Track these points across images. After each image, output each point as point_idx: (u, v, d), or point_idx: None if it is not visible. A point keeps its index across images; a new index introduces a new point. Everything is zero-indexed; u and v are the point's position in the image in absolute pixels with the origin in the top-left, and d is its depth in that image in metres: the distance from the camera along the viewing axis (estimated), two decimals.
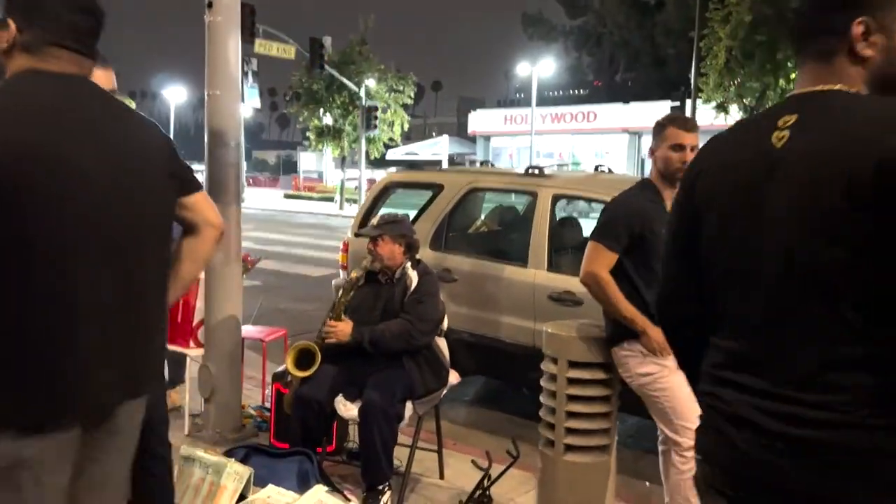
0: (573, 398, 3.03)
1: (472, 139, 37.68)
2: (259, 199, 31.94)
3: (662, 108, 29.40)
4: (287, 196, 34.74)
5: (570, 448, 3.06)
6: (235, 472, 3.08)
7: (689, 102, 22.79)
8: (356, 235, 5.04)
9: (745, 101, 16.75)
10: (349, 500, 3.11)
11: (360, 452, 3.42)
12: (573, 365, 3.03)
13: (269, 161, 70.80)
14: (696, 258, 1.45)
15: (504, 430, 4.91)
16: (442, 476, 3.86)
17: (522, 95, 49.84)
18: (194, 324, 4.37)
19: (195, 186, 1.97)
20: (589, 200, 4.87)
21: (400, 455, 3.71)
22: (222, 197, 4.15)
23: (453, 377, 3.81)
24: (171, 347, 4.45)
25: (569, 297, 4.51)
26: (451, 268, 5.04)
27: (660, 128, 2.96)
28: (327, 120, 28.10)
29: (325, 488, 3.10)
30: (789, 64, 14.32)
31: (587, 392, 3.02)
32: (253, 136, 78.68)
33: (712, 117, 22.09)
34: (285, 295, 9.84)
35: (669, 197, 3.01)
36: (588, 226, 5.79)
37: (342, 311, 3.59)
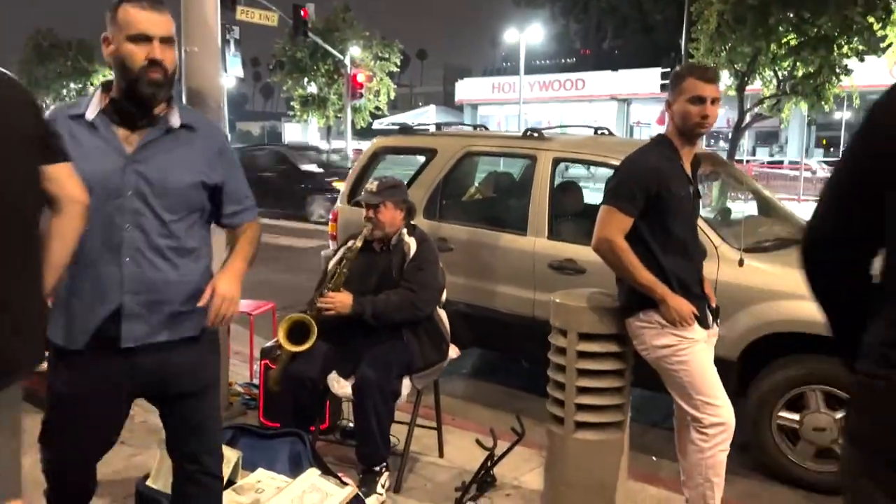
0: (584, 373, 2.83)
1: (460, 108, 37.22)
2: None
3: (651, 75, 29.22)
4: None
5: (580, 425, 2.87)
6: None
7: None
8: (354, 204, 4.79)
9: (735, 66, 16.47)
10: (345, 483, 2.91)
11: (356, 432, 3.22)
12: (584, 337, 2.82)
13: (253, 132, 69.93)
14: (870, 211, 1.29)
15: (503, 404, 4.73)
16: (441, 454, 3.68)
17: (509, 64, 49.25)
18: None
19: (60, 156, 1.83)
20: (592, 164, 4.64)
21: (397, 433, 3.52)
22: None
23: (453, 351, 3.60)
24: None
25: (570, 266, 4.31)
26: (446, 237, 4.81)
27: (677, 79, 2.72)
28: (312, 89, 27.58)
29: (319, 471, 2.90)
30: (781, 28, 14.02)
31: (599, 366, 2.82)
32: (237, 107, 77.56)
33: None
34: (272, 267, 9.59)
35: (688, 155, 2.79)
36: (588, 194, 5.62)
37: (342, 281, 3.35)
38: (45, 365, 2.12)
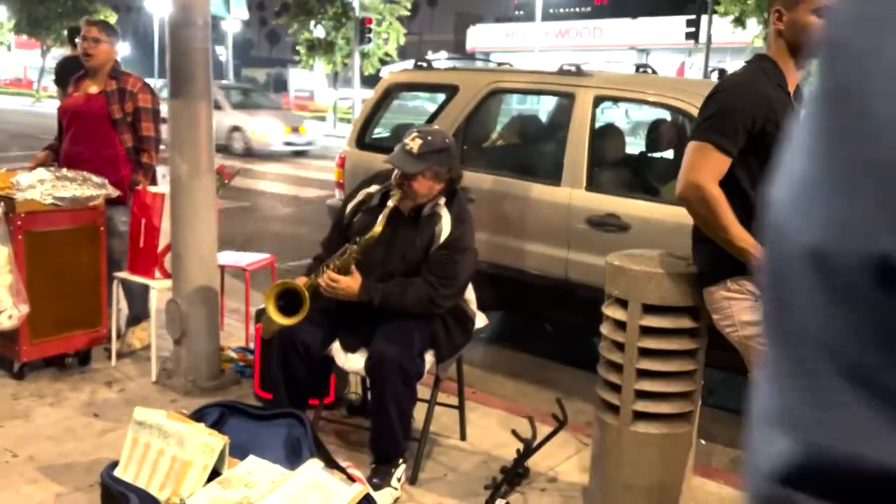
0: (647, 353, 2.31)
1: (471, 57, 36.07)
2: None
3: (673, 23, 28.05)
4: (283, 122, 33.31)
5: (640, 416, 2.36)
6: (204, 445, 2.36)
7: (704, 18, 21.50)
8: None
9: (764, 14, 15.56)
10: (352, 478, 2.41)
11: (371, 420, 2.71)
12: (649, 310, 2.29)
13: (258, 79, 68.57)
14: None
15: (528, 374, 4.23)
16: (464, 437, 3.18)
17: (523, 13, 47.83)
18: (160, 249, 3.60)
19: None
20: (643, 103, 4.03)
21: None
22: (188, 88, 3.31)
23: (481, 320, 3.07)
24: (133, 278, 3.71)
25: (612, 222, 3.75)
26: (468, 187, 4.23)
27: None
28: (318, 33, 26.61)
29: (321, 463, 2.40)
30: None
31: (667, 345, 2.29)
32: (242, 52, 76.00)
33: (729, 33, 20.94)
34: (276, 218, 9.06)
35: (793, 82, 2.19)
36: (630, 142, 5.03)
37: (352, 262, 2.72)
38: None
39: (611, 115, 7.61)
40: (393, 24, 26.33)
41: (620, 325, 2.34)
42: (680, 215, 3.54)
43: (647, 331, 2.30)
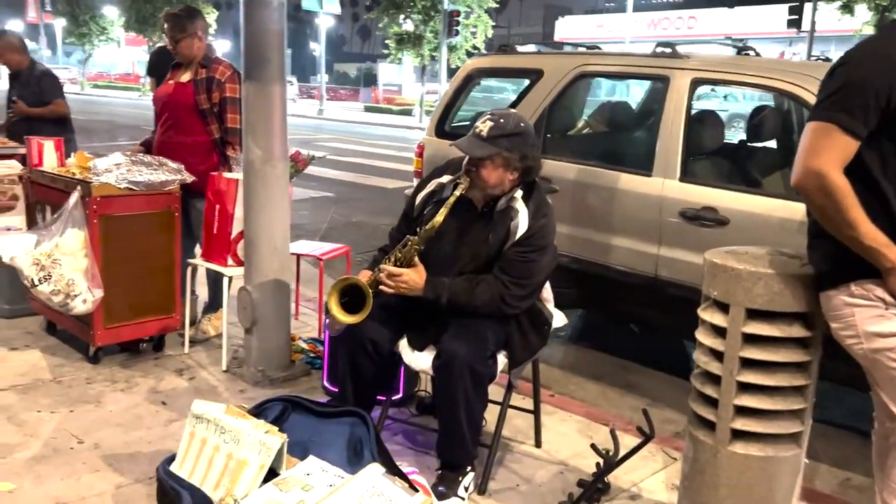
0: (751, 364, 2.02)
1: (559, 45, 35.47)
2: (338, 111, 31.12)
3: (774, 11, 26.68)
4: (366, 108, 33.75)
5: (739, 435, 2.08)
6: (261, 444, 2.24)
7: (808, 5, 20.30)
8: (444, 138, 3.99)
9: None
10: (414, 488, 2.23)
11: (438, 422, 2.52)
12: (755, 315, 2.00)
13: (350, 74, 69.82)
14: None
15: (611, 377, 3.97)
16: (539, 444, 2.96)
17: (613, 4, 46.65)
18: (233, 236, 3.53)
19: None
20: (748, 86, 3.67)
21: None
22: (262, 71, 3.20)
23: (559, 319, 2.84)
24: (205, 264, 3.66)
25: (709, 216, 3.44)
26: (550, 176, 4.00)
27: None
28: (408, 26, 26.70)
29: (383, 469, 2.23)
30: None
31: (774, 356, 2.00)
32: (335, 48, 77.54)
33: (835, 20, 19.68)
34: (359, 208, 9.03)
35: None
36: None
37: (414, 255, 2.54)
38: None
39: (709, 104, 7.18)
40: (481, 16, 26.11)
41: (719, 332, 2.07)
42: (787, 210, 3.23)
43: (750, 339, 2.01)
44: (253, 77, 3.22)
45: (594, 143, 4.52)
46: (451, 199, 2.49)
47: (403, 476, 2.29)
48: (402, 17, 26.31)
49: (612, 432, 2.38)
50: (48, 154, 3.69)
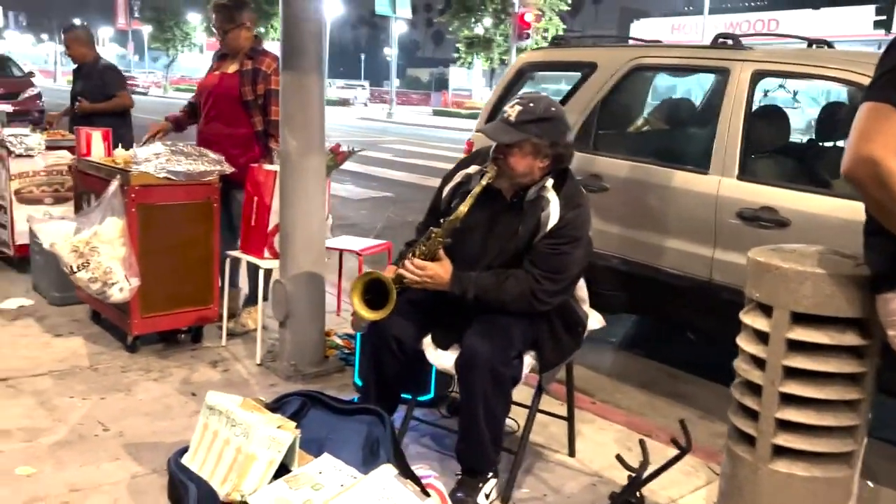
0: (796, 373, 1.83)
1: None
2: (408, 115, 31.34)
3: (860, 13, 25.44)
4: (435, 112, 33.89)
5: (781, 451, 1.88)
6: (271, 439, 2.16)
7: None
8: (479, 131, 3.86)
9: None
10: (426, 493, 2.11)
11: (459, 423, 2.39)
12: (801, 319, 1.80)
13: (421, 79, 70.47)
14: None
15: (658, 385, 3.75)
16: (572, 453, 2.79)
17: (692, 7, 45.49)
18: (270, 228, 3.49)
19: None
20: (814, 78, 3.40)
21: (514, 415, 2.70)
22: (300, 62, 3.15)
23: (595, 321, 2.67)
24: (243, 257, 3.63)
25: (768, 217, 3.20)
26: (600, 173, 3.83)
27: None
28: (479, 30, 26.69)
29: (395, 472, 2.12)
30: None
31: (822, 365, 1.80)
32: (408, 53, 78.40)
33: None
34: (417, 208, 8.94)
35: None
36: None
37: (438, 248, 2.41)
38: None
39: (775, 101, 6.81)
40: (552, 19, 25.87)
41: (761, 337, 1.88)
42: (855, 211, 2.97)
43: (796, 345, 1.82)
44: (290, 67, 3.18)
45: (649, 139, 4.30)
46: (477, 189, 2.36)
47: (417, 480, 2.17)
48: (472, 20, 26.31)
49: (642, 444, 2.20)
50: (96, 144, 3.74)
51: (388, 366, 2.48)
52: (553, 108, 2.37)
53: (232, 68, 3.86)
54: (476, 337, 2.28)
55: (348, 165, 12.72)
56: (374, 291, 2.44)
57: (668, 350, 4.29)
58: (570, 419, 2.77)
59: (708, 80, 4.29)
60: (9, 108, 5.40)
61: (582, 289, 2.58)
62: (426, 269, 2.37)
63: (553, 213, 2.33)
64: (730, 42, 3.63)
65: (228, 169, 3.55)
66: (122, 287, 3.30)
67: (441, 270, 2.36)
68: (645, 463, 2.17)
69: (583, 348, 2.77)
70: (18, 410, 2.88)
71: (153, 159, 3.34)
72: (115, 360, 3.43)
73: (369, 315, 2.41)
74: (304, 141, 3.21)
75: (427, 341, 2.47)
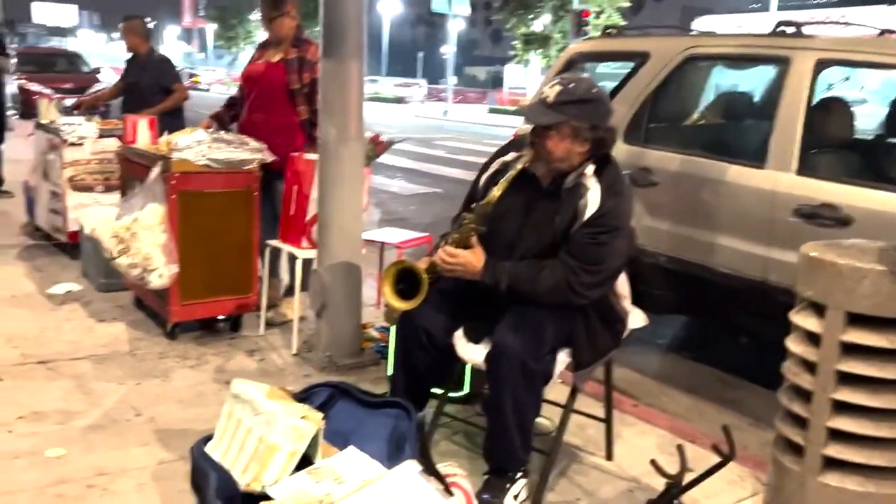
0: (850, 379, 1.68)
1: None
2: (463, 113, 31.26)
3: None
4: (491, 110, 33.73)
5: (832, 464, 1.73)
6: (293, 429, 2.10)
7: None
8: (520, 115, 3.71)
9: None
10: (449, 491, 2.03)
11: (487, 419, 2.30)
12: (857, 320, 1.66)
13: (479, 77, 70.41)
14: None
15: (706, 389, 3.59)
16: (610, 456, 2.67)
17: (758, 4, 44.19)
18: (308, 218, 3.46)
19: None
20: (881, 67, 3.19)
21: (548, 413, 2.60)
22: (339, 46, 3.11)
23: (637, 319, 2.54)
24: (281, 246, 3.61)
25: (829, 215, 3.01)
26: (651, 167, 3.68)
27: None
28: (536, 27, 26.45)
29: (419, 468, 2.04)
30: None
31: (879, 371, 1.65)
32: (466, 51, 78.41)
33: None
34: (447, 203, 8.89)
35: None
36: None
37: (470, 235, 2.31)
38: None
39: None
40: (612, 16, 25.44)
41: (813, 339, 1.74)
42: None
43: (850, 349, 1.67)
44: (330, 53, 3.13)
45: (702, 132, 4.13)
46: (512, 173, 2.26)
47: (441, 477, 2.09)
48: (530, 17, 26.08)
49: (681, 449, 2.07)
50: (142, 131, 3.78)
51: (418, 359, 2.41)
52: (594, 90, 2.25)
53: (277, 57, 3.84)
54: (507, 331, 2.19)
55: (400, 161, 12.86)
56: (406, 281, 2.37)
57: (718, 353, 4.11)
58: (607, 421, 2.65)
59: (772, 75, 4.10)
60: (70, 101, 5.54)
61: (623, 284, 2.46)
62: (457, 256, 2.27)
63: (592, 200, 2.21)
64: (791, 29, 3.44)
65: (269, 157, 3.53)
66: (162, 273, 3.31)
67: (473, 258, 2.27)
68: (683, 470, 2.04)
69: (627, 349, 2.66)
70: (56, 393, 2.91)
71: (194, 146, 3.34)
72: (153, 347, 3.45)
73: (399, 304, 2.34)
74: (342, 128, 3.16)
75: (458, 334, 2.38)
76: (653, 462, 2.15)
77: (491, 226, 2.31)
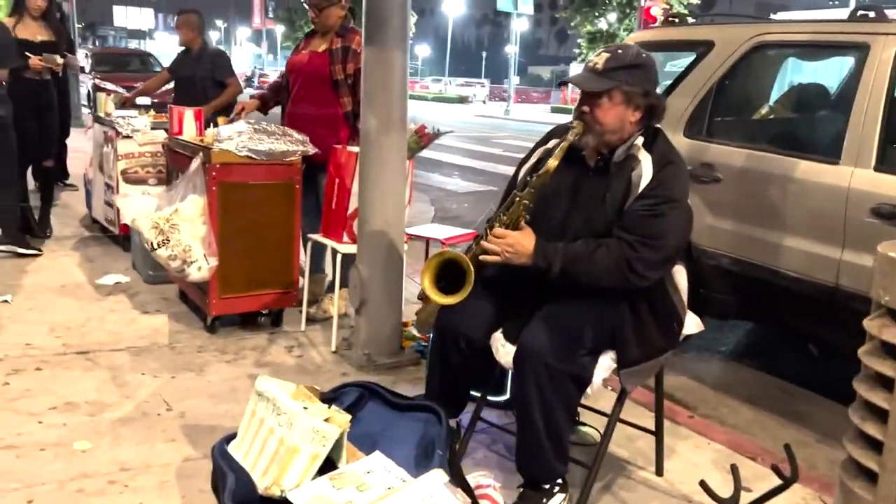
0: None
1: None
2: (526, 112, 31.00)
3: None
4: (553, 110, 33.34)
5: None
6: (314, 431, 1.99)
7: None
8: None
9: None
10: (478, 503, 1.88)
11: (517, 427, 2.13)
12: None
13: (543, 76, 69.94)
14: None
15: (770, 401, 3.33)
16: (660, 472, 2.47)
17: (836, 1, 42.43)
18: (349, 212, 3.36)
19: None
20: None
21: (592, 421, 2.42)
22: (382, 33, 2.98)
23: (692, 325, 2.33)
24: (322, 240, 3.52)
25: None
26: (714, 163, 3.45)
27: None
28: (602, 25, 25.98)
29: (446, 478, 1.90)
30: None
31: None
32: (530, 51, 77.94)
33: None
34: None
35: None
36: None
37: (521, 213, 2.16)
38: None
39: None
40: (680, 13, 24.79)
41: (890, 351, 1.52)
42: None
43: None
44: (372, 41, 3.02)
45: (770, 126, 3.85)
46: (564, 145, 2.10)
47: (469, 489, 1.94)
48: (595, 14, 25.63)
49: (734, 470, 1.87)
50: (188, 123, 3.74)
51: (454, 362, 2.27)
52: (644, 55, 2.13)
53: (322, 47, 3.75)
54: (533, 330, 2.02)
55: (456, 159, 12.71)
56: (448, 276, 2.21)
57: (784, 363, 3.83)
58: (657, 433, 2.44)
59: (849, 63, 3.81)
60: (148, 100, 5.59)
61: (682, 275, 2.24)
62: (507, 237, 2.10)
63: (646, 171, 2.05)
64: (871, 14, 3.16)
65: (311, 149, 3.45)
66: (201, 266, 3.25)
67: (525, 240, 2.09)
68: (737, 492, 1.83)
69: (684, 356, 2.45)
70: (90, 384, 2.88)
71: (235, 137, 3.28)
72: (193, 340, 3.40)
73: (442, 299, 2.19)
74: (385, 118, 3.05)
75: (497, 335, 2.22)
76: (702, 483, 1.95)
77: (537, 210, 2.15)
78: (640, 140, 2.11)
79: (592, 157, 2.17)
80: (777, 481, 1.93)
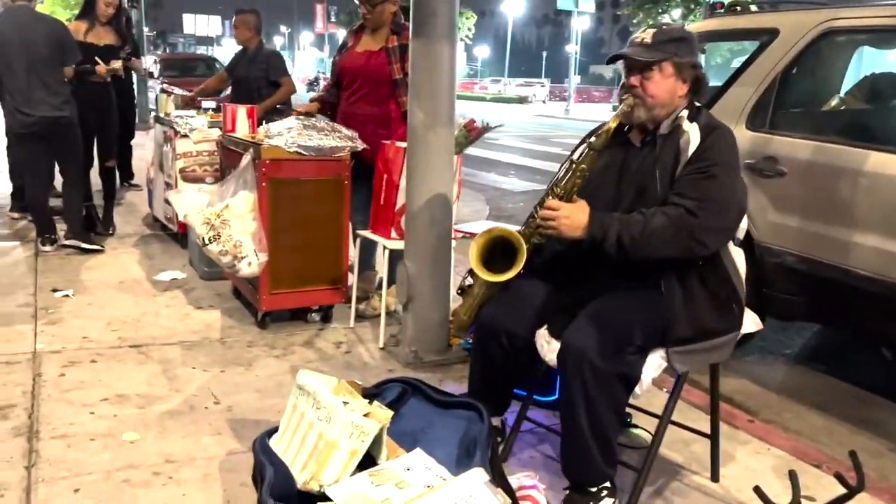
0: None
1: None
2: (586, 111, 30.64)
3: None
4: (615, 108, 32.83)
5: None
6: (353, 426, 1.95)
7: None
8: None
9: None
10: None
11: (561, 427, 2.05)
12: None
13: (605, 75, 69.10)
14: None
15: (839, 407, 3.16)
16: (715, 477, 2.34)
17: None
18: (397, 207, 3.32)
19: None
20: None
21: (643, 421, 2.31)
22: (429, 26, 2.94)
23: (750, 323, 2.20)
24: (371, 236, 3.49)
25: None
26: (778, 155, 3.29)
27: None
28: (665, 20, 25.43)
29: (487, 478, 1.83)
30: None
31: None
32: (592, 50, 77.06)
33: None
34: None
35: None
36: None
37: (576, 183, 2.09)
38: None
39: None
40: (743, 1, 24.06)
41: None
42: None
43: None
44: (420, 34, 2.97)
45: (839, 117, 3.65)
46: (614, 119, 2.10)
47: (510, 490, 1.87)
48: (658, 11, 25.12)
49: (793, 476, 1.74)
50: (241, 120, 3.77)
51: (495, 358, 2.20)
52: (687, 29, 2.22)
53: (377, 46, 3.72)
54: (577, 327, 1.95)
55: (514, 158, 12.63)
56: (498, 256, 2.18)
57: (855, 367, 3.63)
58: (713, 436, 2.32)
59: None
60: (212, 103, 5.71)
61: (738, 254, 2.13)
62: (561, 209, 2.03)
63: (693, 138, 2.03)
64: None
65: (360, 145, 3.43)
66: (251, 262, 3.27)
67: (579, 212, 2.02)
68: (796, 498, 1.71)
69: (746, 358, 2.32)
70: (142, 377, 2.92)
71: (285, 133, 3.28)
72: (243, 335, 3.42)
73: (491, 277, 2.15)
74: (432, 112, 3.00)
75: (541, 332, 2.15)
76: (756, 489, 1.82)
77: (586, 190, 2.10)
78: (684, 113, 2.09)
79: (637, 138, 2.15)
80: (842, 490, 1.80)
